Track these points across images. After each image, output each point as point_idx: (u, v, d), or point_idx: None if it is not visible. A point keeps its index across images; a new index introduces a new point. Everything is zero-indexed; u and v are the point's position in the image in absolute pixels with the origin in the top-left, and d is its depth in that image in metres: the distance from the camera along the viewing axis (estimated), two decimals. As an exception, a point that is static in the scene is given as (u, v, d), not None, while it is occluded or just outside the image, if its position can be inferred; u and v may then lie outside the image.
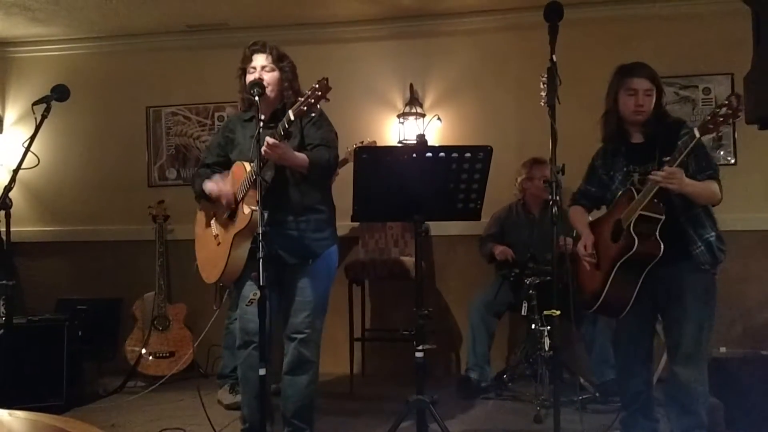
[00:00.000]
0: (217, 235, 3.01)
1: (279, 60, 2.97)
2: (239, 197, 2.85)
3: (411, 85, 4.88)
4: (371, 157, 2.76)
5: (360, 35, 5.05)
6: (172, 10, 4.77)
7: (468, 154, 2.70)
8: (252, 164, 2.73)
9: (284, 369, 3.01)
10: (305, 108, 2.60)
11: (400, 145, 4.66)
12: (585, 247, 2.89)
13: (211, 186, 2.95)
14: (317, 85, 2.58)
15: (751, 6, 3.17)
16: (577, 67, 4.37)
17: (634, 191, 2.72)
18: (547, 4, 2.59)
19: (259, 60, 2.95)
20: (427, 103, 4.93)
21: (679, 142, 2.61)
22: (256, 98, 2.71)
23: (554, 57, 2.56)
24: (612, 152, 2.93)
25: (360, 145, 3.48)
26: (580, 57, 4.54)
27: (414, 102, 4.84)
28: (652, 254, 2.65)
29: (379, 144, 4.35)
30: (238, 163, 2.93)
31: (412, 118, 4.79)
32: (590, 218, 3.06)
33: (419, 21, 4.94)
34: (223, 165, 3.07)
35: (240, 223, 2.81)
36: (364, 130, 4.83)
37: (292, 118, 2.64)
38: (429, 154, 2.73)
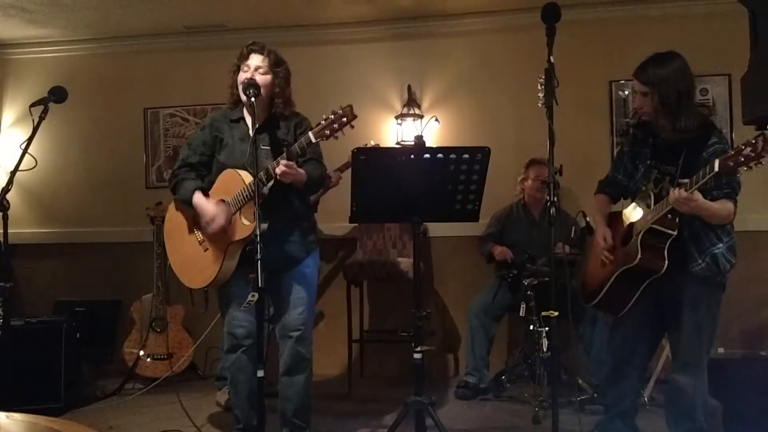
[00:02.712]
0: (203, 241, 2.98)
1: (276, 65, 2.95)
2: (234, 208, 2.83)
3: (409, 87, 4.89)
4: (369, 158, 2.77)
5: (358, 37, 5.06)
6: (170, 12, 4.76)
7: (466, 156, 2.71)
8: (248, 172, 2.73)
9: (282, 370, 3.01)
10: (328, 132, 2.61)
11: (398, 146, 4.66)
12: (604, 239, 2.82)
13: (198, 201, 2.91)
14: (341, 111, 2.59)
15: (748, 7, 3.19)
16: (574, 69, 4.39)
17: (652, 198, 2.64)
18: (544, 6, 2.59)
19: (255, 60, 2.92)
20: (425, 105, 4.94)
21: (704, 153, 2.56)
22: (252, 99, 2.71)
23: (552, 58, 2.56)
24: (641, 141, 2.83)
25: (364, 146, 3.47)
26: (577, 58, 4.55)
27: (412, 103, 4.84)
28: (654, 270, 2.62)
29: (378, 145, 4.35)
30: (230, 171, 2.89)
31: (410, 120, 4.79)
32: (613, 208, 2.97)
33: (417, 22, 4.95)
34: (207, 164, 3.03)
35: (239, 233, 2.79)
36: (362, 131, 4.82)
37: (313, 140, 2.66)
38: (427, 156, 2.73)
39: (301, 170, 2.81)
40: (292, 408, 3.00)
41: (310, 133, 2.67)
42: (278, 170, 2.69)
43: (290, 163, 2.69)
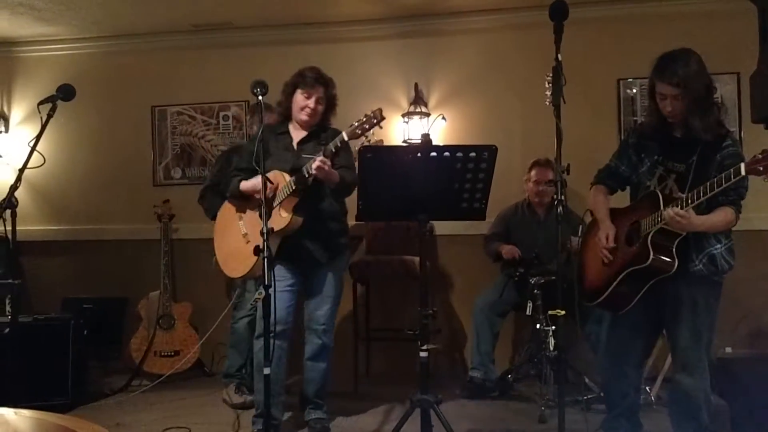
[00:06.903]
0: (246, 234, 3.28)
1: (332, 97, 3.31)
2: (276, 203, 3.12)
3: (416, 85, 4.88)
4: (376, 156, 2.77)
5: (365, 34, 5.05)
6: (177, 10, 4.77)
7: (473, 154, 2.71)
8: (290, 175, 3.09)
9: (307, 355, 3.40)
10: (359, 132, 2.91)
11: (404, 144, 4.66)
12: (607, 238, 2.79)
13: (246, 184, 3.24)
14: (372, 114, 2.88)
15: (757, 4, 3.18)
16: (582, 67, 4.38)
17: (660, 198, 2.60)
18: (552, 4, 2.57)
19: (319, 92, 3.24)
20: (431, 103, 4.93)
21: (717, 155, 2.55)
22: (260, 98, 2.80)
23: (559, 56, 2.55)
24: (649, 135, 2.78)
25: (366, 143, 3.51)
26: (585, 56, 4.54)
27: (419, 101, 4.84)
28: (664, 270, 2.60)
29: (384, 143, 4.34)
30: (276, 171, 3.15)
31: (416, 118, 4.79)
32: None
33: (424, 20, 4.94)
34: (255, 172, 3.21)
35: (277, 224, 3.02)
36: (369, 129, 4.84)
37: (346, 138, 2.96)
38: (434, 154, 2.74)
39: (334, 170, 3.09)
40: (313, 389, 3.42)
41: (344, 133, 2.96)
42: (314, 165, 2.96)
43: (325, 159, 2.98)
